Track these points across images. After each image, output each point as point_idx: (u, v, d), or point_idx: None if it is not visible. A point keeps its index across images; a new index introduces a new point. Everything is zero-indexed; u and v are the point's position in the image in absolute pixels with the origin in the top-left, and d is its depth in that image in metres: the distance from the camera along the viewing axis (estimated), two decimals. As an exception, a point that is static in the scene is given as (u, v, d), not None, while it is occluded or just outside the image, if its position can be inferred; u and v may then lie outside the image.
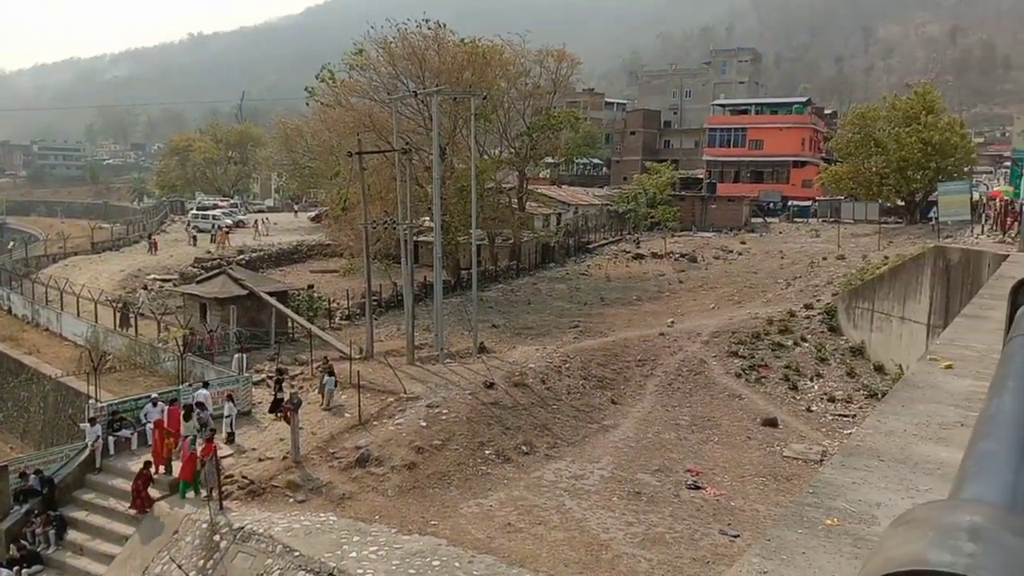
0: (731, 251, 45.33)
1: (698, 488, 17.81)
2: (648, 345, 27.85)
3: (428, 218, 33.29)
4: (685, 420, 22.40)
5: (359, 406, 20.48)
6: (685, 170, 71.04)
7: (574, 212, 55.83)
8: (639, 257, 46.03)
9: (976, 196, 40.55)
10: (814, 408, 23.34)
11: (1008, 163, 46.92)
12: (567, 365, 25.03)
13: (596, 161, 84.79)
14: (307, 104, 43.40)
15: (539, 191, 53.64)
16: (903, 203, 50.86)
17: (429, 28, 38.56)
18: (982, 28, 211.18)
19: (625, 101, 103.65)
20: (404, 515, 16.53)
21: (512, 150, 44.99)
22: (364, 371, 22.81)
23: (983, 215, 35.27)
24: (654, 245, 48.13)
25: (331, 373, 21.80)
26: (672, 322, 30.81)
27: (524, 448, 20.15)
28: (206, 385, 21.38)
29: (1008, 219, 28.66)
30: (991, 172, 75.30)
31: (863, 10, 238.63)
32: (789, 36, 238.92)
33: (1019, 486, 0.83)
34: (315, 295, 34.07)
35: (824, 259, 39.38)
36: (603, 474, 18.67)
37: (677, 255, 45.10)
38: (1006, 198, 31.62)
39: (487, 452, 19.62)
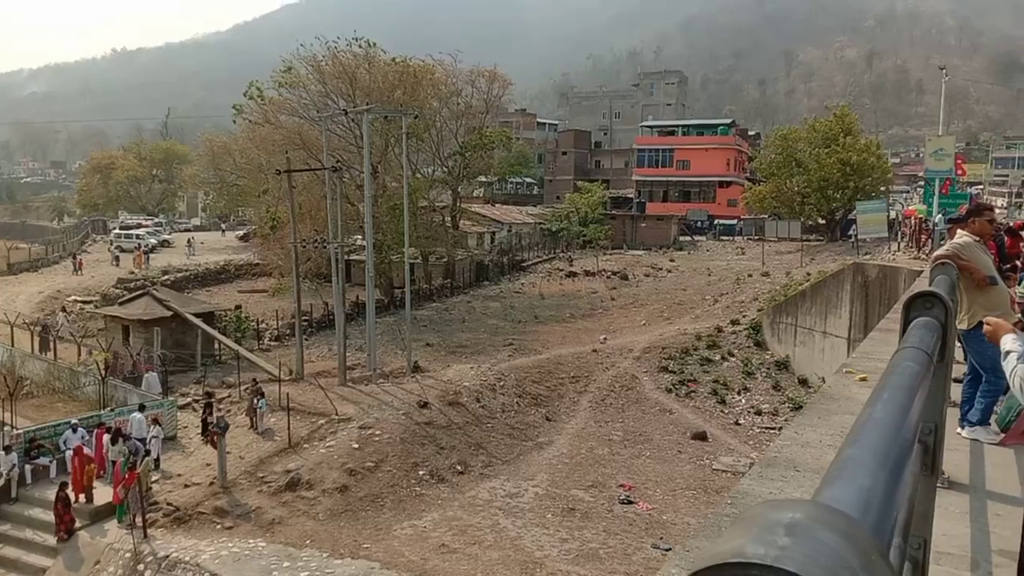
0: (661, 269, 46.17)
1: (631, 503, 17.99)
2: (581, 362, 28.11)
3: (360, 237, 33.01)
4: (618, 435, 22.63)
5: (289, 429, 20.08)
6: (616, 189, 72.19)
7: (508, 231, 56.12)
8: (572, 275, 46.48)
9: (893, 214, 42.23)
10: (742, 421, 23.86)
11: (922, 183, 49.00)
12: (502, 383, 25.05)
13: (529, 180, 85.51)
14: (234, 122, 42.64)
15: (473, 210, 53.76)
16: (824, 221, 52.60)
17: (360, 47, 38.39)
18: (897, 53, 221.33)
19: (557, 121, 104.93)
20: (336, 539, 16.24)
21: (445, 169, 45.01)
22: (295, 393, 22.40)
23: (899, 232, 36.70)
24: (587, 263, 48.69)
25: (260, 395, 21.34)
26: (605, 339, 31.18)
27: (459, 468, 20.04)
28: (141, 408, 20.65)
29: (922, 236, 29.91)
30: (907, 191, 78.51)
31: (785, 35, 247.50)
32: (715, 59, 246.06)
33: (873, 490, 0.89)
34: (243, 316, 33.34)
35: (749, 276, 40.42)
36: (538, 491, 18.70)
37: (609, 273, 45.71)
38: (920, 216, 32.98)
39: (421, 473, 19.45)
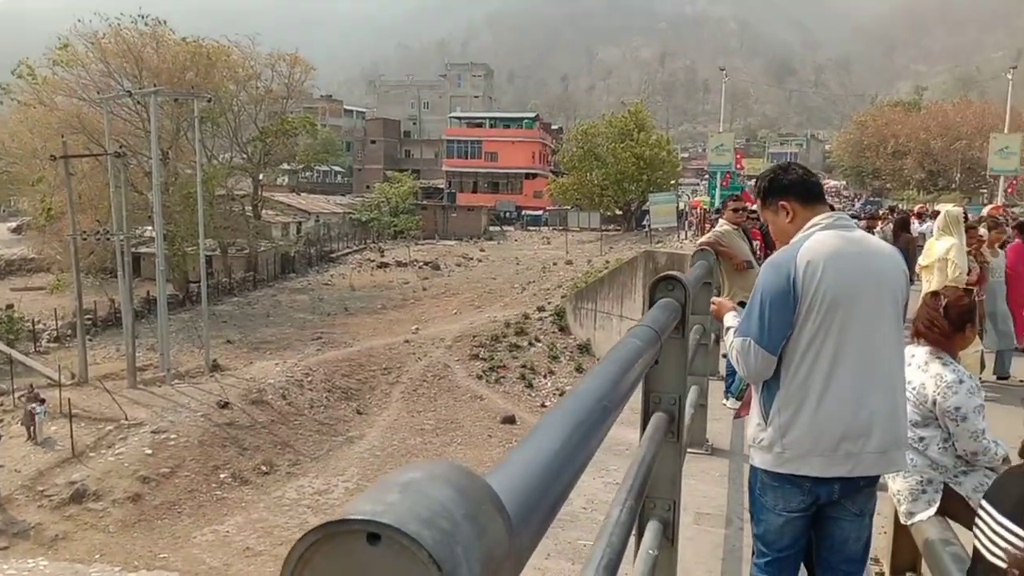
0: (472, 258, 46.79)
1: (441, 491, 18.14)
2: (393, 353, 27.96)
3: (150, 228, 30.86)
4: (430, 424, 22.76)
5: (72, 437, 18.48)
6: (426, 180, 72.19)
7: (315, 221, 54.58)
8: (384, 266, 46.04)
9: (681, 205, 45.22)
10: (547, 404, 24.74)
11: (707, 176, 52.86)
12: (309, 378, 24.41)
13: (337, 169, 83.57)
14: (1, 103, 38.42)
15: (276, 199, 51.77)
16: (621, 212, 55.43)
17: (146, 24, 35.80)
18: (686, 54, 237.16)
19: (365, 109, 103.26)
20: (129, 551, 15.18)
21: (245, 155, 43.01)
22: (78, 398, 20.63)
23: (687, 222, 39.40)
24: (398, 253, 48.41)
25: (39, 402, 19.46)
26: (417, 329, 31.19)
27: (264, 468, 19.34)
28: None
29: (707, 225, 32.34)
30: (697, 184, 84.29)
31: (586, 33, 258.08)
32: (521, 54, 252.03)
33: (533, 456, 0.95)
34: (16, 316, 30.22)
35: (555, 264, 41.91)
36: (348, 486, 18.42)
37: (421, 263, 45.72)
38: (705, 207, 35.63)
39: (222, 476, 18.58)
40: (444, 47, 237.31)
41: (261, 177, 44.88)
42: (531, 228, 60.91)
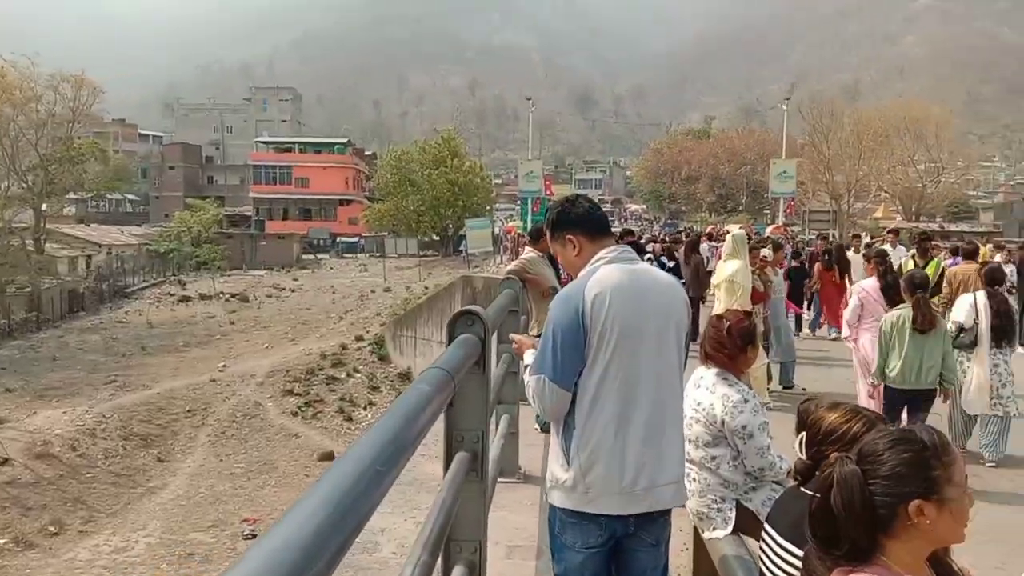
0: (284, 289, 45.16)
1: (255, 536, 17.20)
2: (198, 393, 26.31)
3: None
4: (241, 468, 21.53)
5: None
6: (232, 207, 69.12)
7: (108, 253, 50.56)
8: (186, 300, 43.37)
9: (497, 230, 46.14)
10: (368, 436, 24.17)
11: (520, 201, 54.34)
12: (103, 426, 22.42)
13: (132, 197, 78.16)
14: None
15: (62, 231, 47.52)
16: (438, 238, 55.78)
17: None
18: (495, 84, 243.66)
19: (162, 134, 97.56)
20: None
21: (24, 184, 39.22)
22: None
23: (502, 246, 40.20)
24: (202, 286, 45.80)
25: None
26: (224, 366, 29.56)
27: (52, 528, 17.47)
28: None
29: (520, 249, 33.14)
30: (513, 209, 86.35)
31: (397, 59, 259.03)
32: (330, 79, 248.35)
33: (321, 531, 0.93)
34: None
35: (373, 292, 41.32)
36: (150, 541, 17.01)
37: (227, 296, 43.49)
38: (518, 232, 36.55)
39: (2, 541, 16.61)
40: (248, 70, 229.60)
41: (44, 208, 41.05)
42: (347, 255, 59.82)
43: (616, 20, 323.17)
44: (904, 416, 5.74)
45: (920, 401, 5.80)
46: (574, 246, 2.75)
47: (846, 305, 7.85)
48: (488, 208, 57.32)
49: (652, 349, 2.60)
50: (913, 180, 54.53)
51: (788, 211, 44.20)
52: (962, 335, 6.37)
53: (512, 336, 3.17)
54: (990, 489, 5.49)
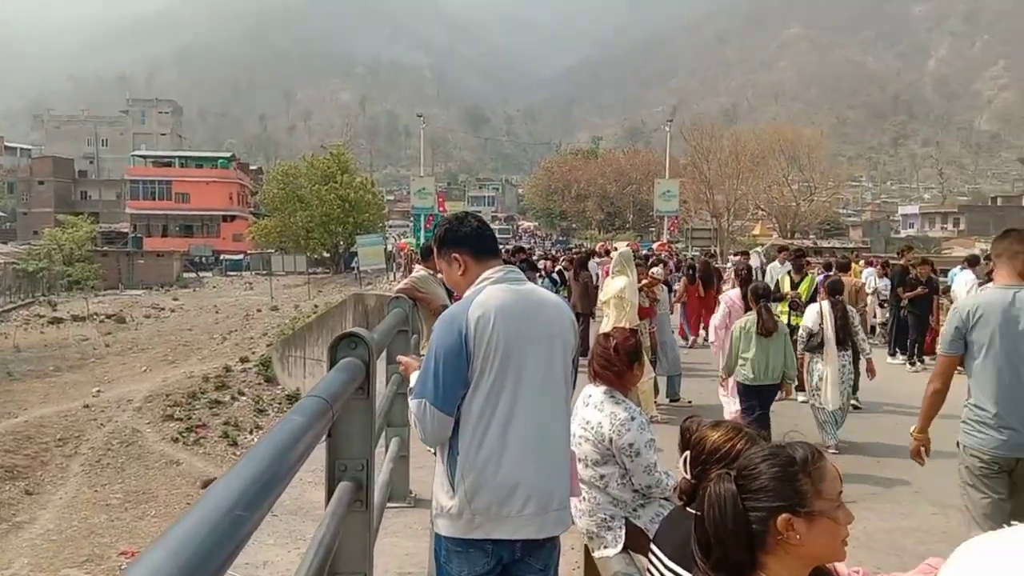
0: (164, 308, 43.18)
1: (133, 571, 16.24)
2: (70, 421, 24.71)
3: None
4: (118, 498, 20.31)
5: None
6: (107, 223, 65.75)
7: (-33, 274, 47.10)
8: (57, 321, 40.79)
9: (389, 247, 45.70)
10: (255, 461, 23.33)
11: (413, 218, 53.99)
12: (-40, 459, 20.76)
13: (-2, 214, 73.25)
14: None
15: (-85, 250, 43.99)
16: (329, 255, 54.68)
17: None
18: (386, 100, 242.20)
19: (31, 147, 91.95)
20: None
21: None
22: None
23: (396, 263, 39.82)
24: (74, 307, 43.25)
25: None
26: (99, 391, 27.92)
27: (-102, 574, 15.98)
28: None
29: (413, 266, 32.87)
30: (407, 226, 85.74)
31: (283, 73, 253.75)
32: (213, 92, 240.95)
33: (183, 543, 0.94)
34: None
35: (259, 311, 40.04)
36: (14, 581, 15.80)
37: (102, 317, 41.23)
38: (411, 248, 36.28)
39: None
40: (125, 82, 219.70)
41: None
42: (231, 273, 57.79)
43: (506, 42, 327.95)
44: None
45: (769, 395, 6.58)
46: (460, 265, 2.70)
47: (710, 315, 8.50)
48: (380, 225, 56.68)
49: (538, 371, 2.56)
50: (788, 199, 57.48)
51: (672, 229, 45.71)
52: (811, 339, 7.36)
53: (399, 358, 3.08)
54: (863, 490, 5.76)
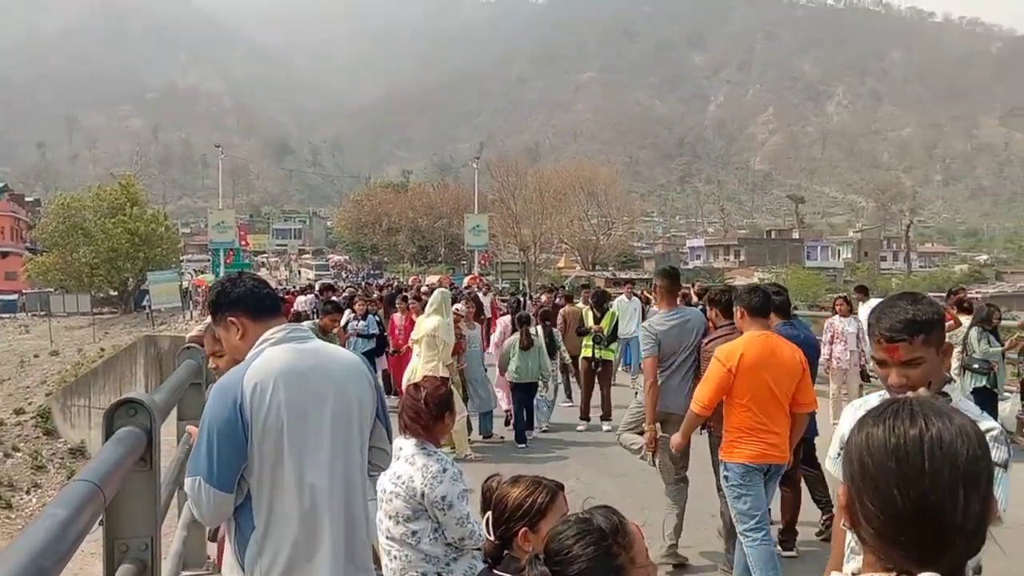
0: (-84, 357, 38.08)
1: None
2: None
3: None
4: None
5: None
6: None
7: None
8: None
9: (185, 284, 43.07)
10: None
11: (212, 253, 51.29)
12: None
13: None
14: None
15: None
16: (117, 293, 50.72)
17: None
18: (181, 128, 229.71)
19: None
20: None
21: None
22: None
23: (192, 301, 37.57)
24: None
25: None
26: None
27: None
28: None
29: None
30: (205, 261, 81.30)
31: (66, 98, 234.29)
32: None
33: None
34: None
35: (36, 356, 36.29)
36: None
37: None
38: (208, 285, 34.42)
39: None
40: None
41: None
42: (3, 316, 52.09)
43: (311, 72, 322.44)
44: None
45: (526, 388, 9.24)
46: (238, 328, 2.48)
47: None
48: (175, 260, 53.38)
49: (331, 437, 2.40)
50: (588, 233, 60.37)
51: (483, 262, 46.56)
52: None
53: (188, 429, 2.83)
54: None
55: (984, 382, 8.42)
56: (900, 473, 1.06)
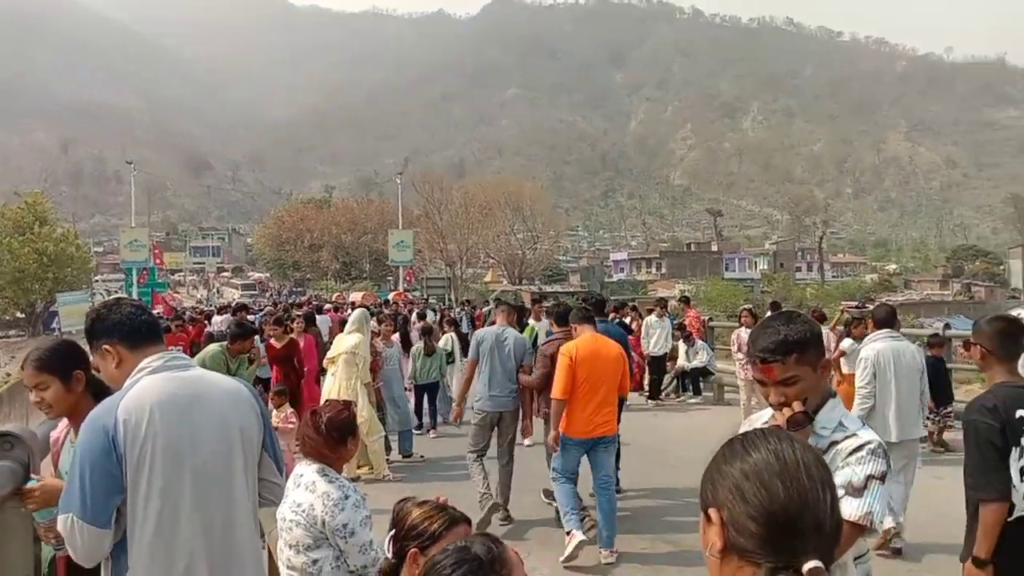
0: None
1: None
2: None
3: None
4: None
5: None
6: None
7: None
8: None
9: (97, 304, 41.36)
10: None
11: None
12: None
13: None
14: None
15: None
16: (23, 315, 48.48)
17: None
18: (93, 143, 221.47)
19: None
20: None
21: None
22: None
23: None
24: None
25: None
26: None
27: None
28: None
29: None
30: (119, 281, 78.37)
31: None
32: None
33: None
34: None
35: (-68, 384, 34.28)
36: None
37: None
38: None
39: None
40: None
41: None
42: None
43: (231, 87, 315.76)
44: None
45: (432, 388, 10.77)
46: (114, 357, 2.40)
47: None
48: (87, 281, 51.35)
49: (214, 469, 2.33)
50: (514, 247, 60.68)
51: (408, 278, 46.26)
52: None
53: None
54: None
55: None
56: (782, 472, 1.20)
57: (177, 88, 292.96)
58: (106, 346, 2.40)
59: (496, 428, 6.89)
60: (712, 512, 1.25)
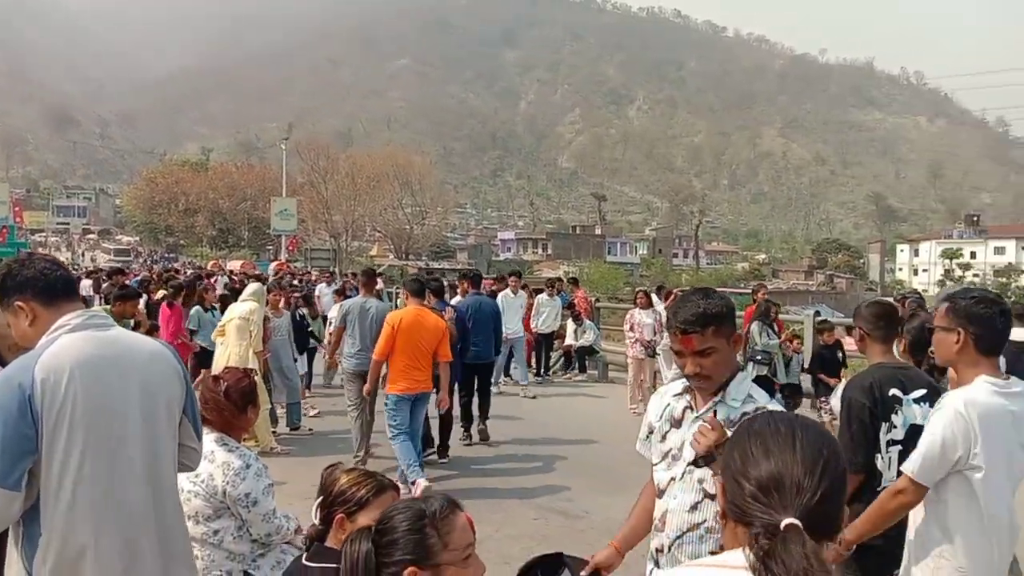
0: None
1: None
2: None
3: None
4: None
5: None
6: None
7: None
8: None
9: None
10: None
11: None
12: None
13: None
14: None
15: None
16: None
17: None
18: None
19: None
20: None
21: None
22: None
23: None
24: None
25: None
26: None
27: None
28: None
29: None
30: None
31: None
32: None
33: None
34: None
35: None
36: None
37: None
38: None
39: None
40: None
41: None
42: None
43: (99, 38, 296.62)
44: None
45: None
46: (27, 314, 2.26)
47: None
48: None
49: (137, 431, 2.23)
50: (402, 222, 60.09)
51: (291, 248, 45.01)
52: None
53: None
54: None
55: (765, 372, 9.24)
56: (773, 437, 1.28)
57: (42, 38, 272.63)
58: (19, 303, 2.26)
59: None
60: (717, 481, 1.39)
